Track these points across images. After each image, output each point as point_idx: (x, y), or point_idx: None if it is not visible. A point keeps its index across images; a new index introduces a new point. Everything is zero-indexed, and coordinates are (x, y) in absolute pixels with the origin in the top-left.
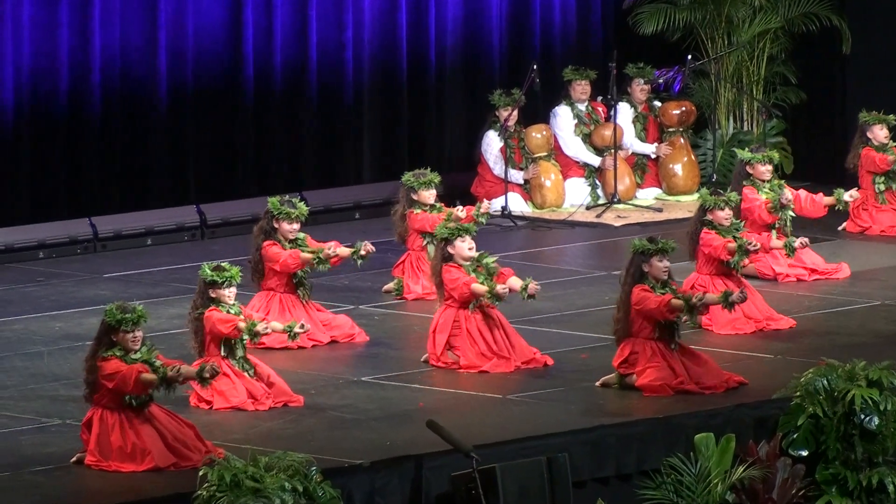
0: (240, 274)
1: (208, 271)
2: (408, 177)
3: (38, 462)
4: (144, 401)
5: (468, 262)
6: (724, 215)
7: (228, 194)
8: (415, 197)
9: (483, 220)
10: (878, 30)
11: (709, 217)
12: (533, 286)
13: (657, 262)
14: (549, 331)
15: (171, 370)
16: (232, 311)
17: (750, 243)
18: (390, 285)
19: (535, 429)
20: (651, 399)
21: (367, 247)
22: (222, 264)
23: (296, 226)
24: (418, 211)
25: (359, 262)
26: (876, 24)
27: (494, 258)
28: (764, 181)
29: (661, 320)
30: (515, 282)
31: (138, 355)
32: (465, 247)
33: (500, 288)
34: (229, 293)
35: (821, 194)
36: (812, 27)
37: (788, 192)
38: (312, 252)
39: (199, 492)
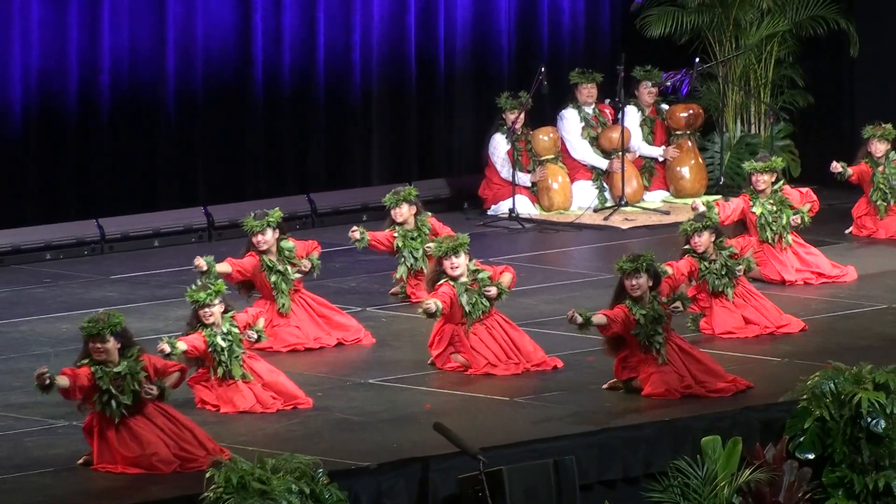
0: (218, 293)
1: (188, 291)
2: (386, 198)
3: (44, 463)
4: (131, 406)
5: (462, 279)
6: (701, 241)
7: (237, 196)
8: (393, 214)
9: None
10: (886, 33)
11: (688, 245)
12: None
13: (627, 282)
14: (556, 333)
15: (149, 387)
16: (224, 327)
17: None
18: (397, 288)
19: (541, 431)
20: (657, 402)
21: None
22: (206, 282)
23: (266, 236)
24: (389, 230)
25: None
26: (884, 27)
27: (488, 273)
28: (759, 191)
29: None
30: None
31: (120, 367)
32: (448, 266)
33: (425, 305)
34: (209, 312)
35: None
36: (820, 30)
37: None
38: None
39: (206, 493)
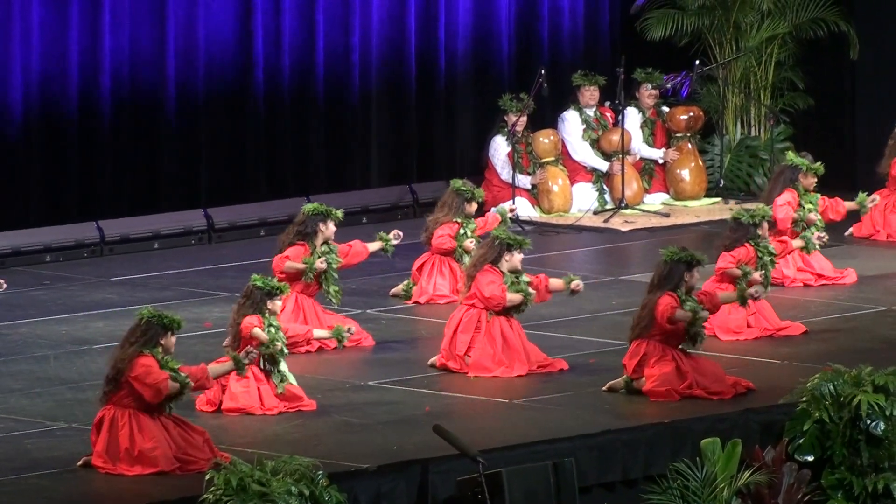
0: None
1: (257, 277)
2: (460, 185)
3: (44, 465)
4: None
5: (511, 274)
6: (763, 230)
7: (238, 198)
8: (465, 207)
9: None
10: (886, 35)
11: (759, 231)
12: (576, 284)
13: (696, 275)
14: (557, 335)
15: (194, 381)
16: (273, 326)
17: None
18: (398, 289)
19: (541, 433)
20: (657, 404)
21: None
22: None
23: (330, 227)
24: (459, 220)
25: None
26: (884, 29)
27: (528, 280)
28: (807, 192)
29: (662, 323)
30: (556, 283)
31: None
32: (519, 259)
33: (532, 291)
34: (275, 305)
35: (837, 199)
36: (820, 33)
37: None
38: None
39: (206, 495)
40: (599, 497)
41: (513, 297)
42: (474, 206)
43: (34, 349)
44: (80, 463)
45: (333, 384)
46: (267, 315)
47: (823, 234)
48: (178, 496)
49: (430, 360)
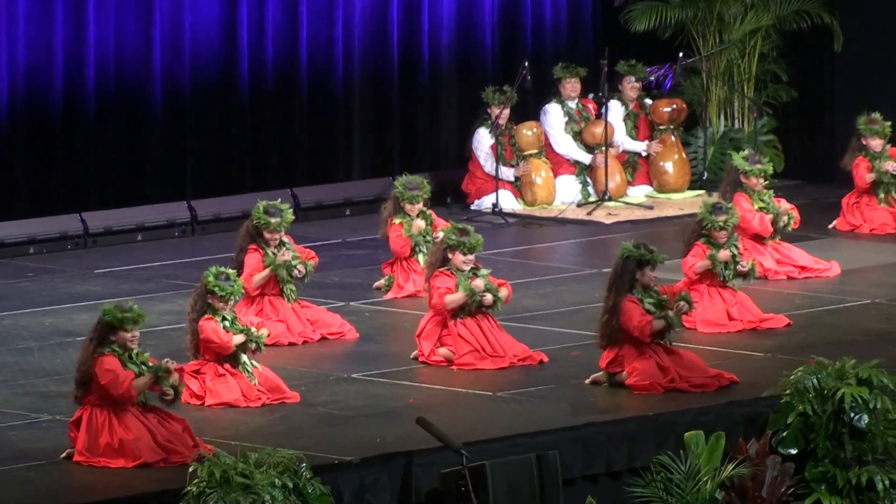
0: (241, 291)
1: (212, 279)
2: (399, 187)
3: (28, 458)
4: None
5: (463, 273)
6: (722, 236)
7: (223, 190)
8: (402, 205)
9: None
10: (870, 28)
11: (706, 232)
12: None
13: (650, 273)
14: (540, 328)
15: (164, 368)
16: (227, 322)
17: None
18: (381, 282)
19: (525, 426)
20: (641, 397)
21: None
22: (228, 273)
23: (276, 235)
24: (398, 221)
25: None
26: (867, 21)
27: (488, 271)
28: (755, 191)
29: (642, 338)
30: (479, 283)
31: (136, 352)
32: (461, 260)
33: (475, 284)
34: (226, 306)
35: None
36: (803, 25)
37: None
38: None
39: (189, 488)
40: (583, 489)
41: (453, 299)
42: (416, 206)
43: (18, 341)
44: (63, 455)
45: (317, 377)
46: (221, 313)
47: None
48: (161, 488)
49: (413, 353)
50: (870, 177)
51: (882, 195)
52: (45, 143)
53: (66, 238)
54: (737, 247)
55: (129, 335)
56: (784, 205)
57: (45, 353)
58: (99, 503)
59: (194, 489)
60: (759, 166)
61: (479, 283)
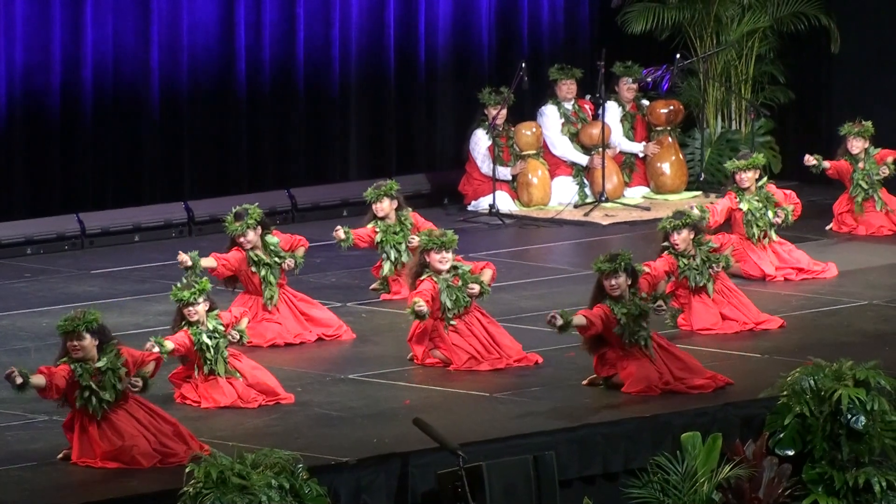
0: (202, 291)
1: (176, 292)
2: (368, 192)
3: (25, 458)
4: (112, 402)
5: (444, 275)
6: (681, 238)
7: (220, 191)
8: (375, 209)
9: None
10: (866, 29)
11: (667, 243)
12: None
13: (606, 282)
14: (536, 329)
15: (134, 380)
16: (210, 325)
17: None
18: (377, 283)
19: (521, 427)
20: (638, 398)
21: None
22: (191, 281)
23: (249, 237)
24: (370, 225)
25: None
26: (864, 23)
27: (469, 266)
28: (743, 189)
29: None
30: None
31: (101, 363)
32: (436, 258)
33: (417, 307)
34: (193, 310)
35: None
36: (800, 26)
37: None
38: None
39: (186, 488)
40: (580, 490)
41: (419, 309)
42: (384, 203)
43: (15, 341)
44: (60, 456)
45: (313, 377)
46: (196, 326)
47: (779, 215)
48: (158, 489)
49: (410, 354)
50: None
51: (859, 200)
52: (43, 143)
53: (63, 239)
54: (708, 254)
55: (85, 342)
56: (792, 198)
57: (42, 353)
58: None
59: (191, 490)
60: (745, 161)
61: (421, 307)
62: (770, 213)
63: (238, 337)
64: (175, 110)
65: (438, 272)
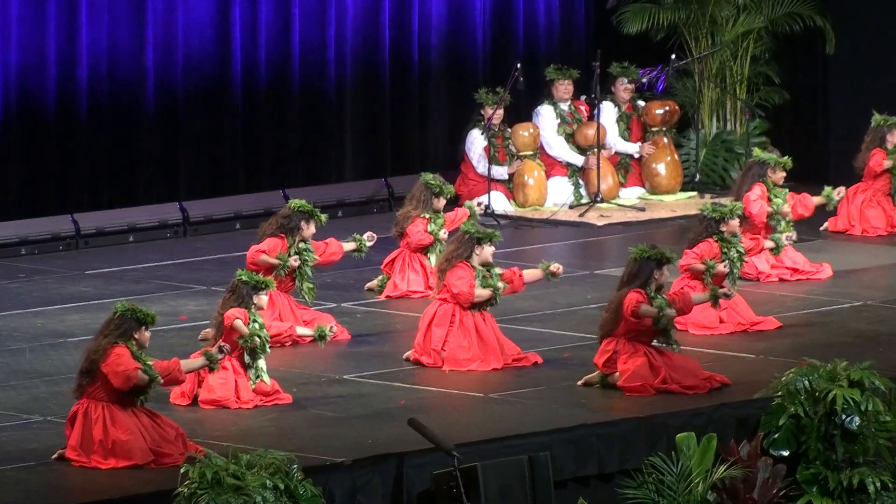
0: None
1: (245, 277)
2: (432, 179)
3: (19, 458)
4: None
5: (483, 268)
6: (732, 226)
7: (215, 191)
8: (433, 201)
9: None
10: (862, 30)
11: (722, 228)
12: (555, 267)
13: (667, 272)
14: (532, 329)
15: (165, 375)
16: (256, 322)
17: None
18: (373, 283)
19: (516, 428)
20: (633, 398)
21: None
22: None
23: (312, 229)
24: (426, 216)
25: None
26: (859, 24)
27: (500, 271)
28: (776, 186)
29: (626, 316)
30: (533, 273)
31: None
32: (490, 252)
33: (501, 285)
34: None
35: (805, 195)
36: (796, 27)
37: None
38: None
39: (181, 489)
40: (575, 491)
41: (481, 293)
42: (442, 202)
43: (9, 342)
44: (54, 456)
45: (309, 378)
46: (252, 310)
47: (792, 233)
48: (152, 489)
49: (405, 355)
50: (887, 163)
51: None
52: (38, 144)
53: (58, 239)
54: (738, 251)
55: (148, 334)
56: (787, 209)
57: (36, 354)
58: None
59: (185, 490)
60: (783, 159)
61: (532, 273)
62: (783, 224)
63: (259, 342)
64: (170, 111)
65: (486, 264)
